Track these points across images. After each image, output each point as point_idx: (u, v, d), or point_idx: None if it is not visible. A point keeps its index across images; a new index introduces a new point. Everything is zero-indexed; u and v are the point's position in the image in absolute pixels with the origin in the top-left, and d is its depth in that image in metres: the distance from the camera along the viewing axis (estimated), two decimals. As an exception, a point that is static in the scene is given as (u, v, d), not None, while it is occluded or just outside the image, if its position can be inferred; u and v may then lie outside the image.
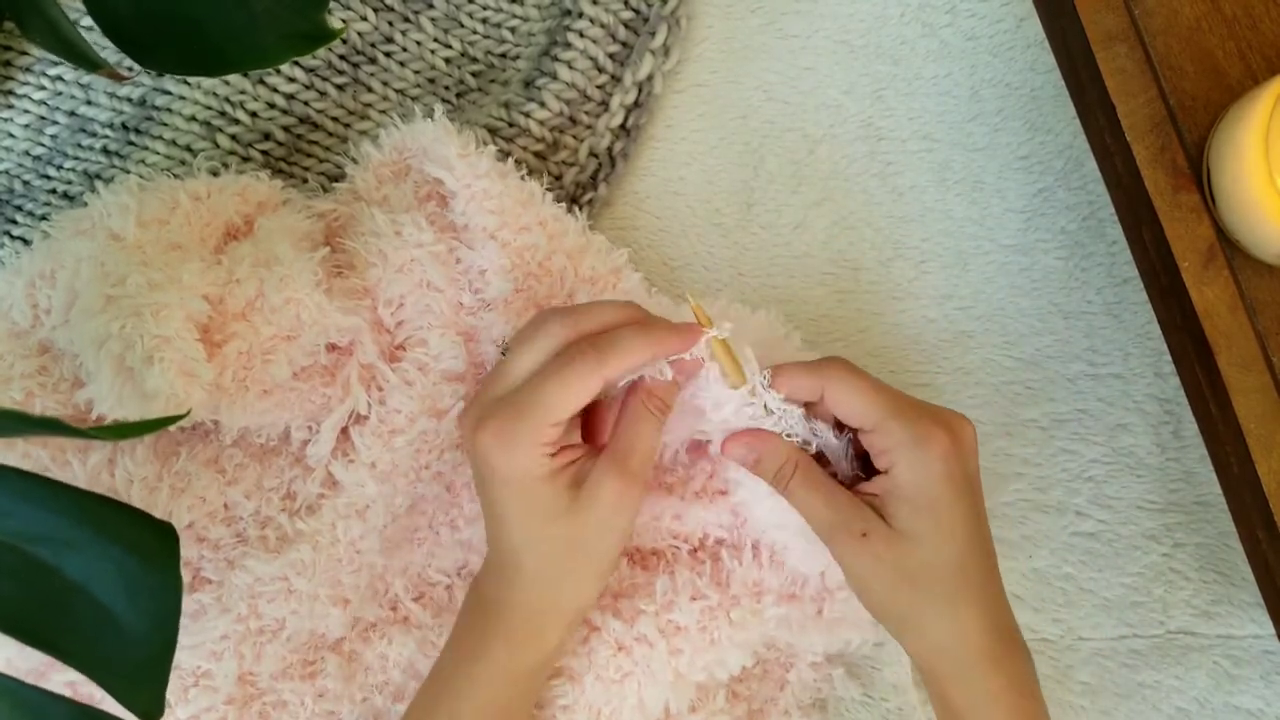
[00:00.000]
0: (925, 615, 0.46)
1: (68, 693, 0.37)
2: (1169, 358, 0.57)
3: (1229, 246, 0.50)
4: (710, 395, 0.49)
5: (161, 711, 0.35)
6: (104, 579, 0.34)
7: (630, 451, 0.47)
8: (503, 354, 0.49)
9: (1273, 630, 0.55)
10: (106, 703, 0.35)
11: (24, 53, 0.62)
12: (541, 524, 0.47)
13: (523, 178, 0.56)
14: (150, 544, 0.35)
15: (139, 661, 0.35)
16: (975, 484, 0.47)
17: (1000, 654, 0.46)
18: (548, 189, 0.57)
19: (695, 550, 0.55)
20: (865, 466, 0.50)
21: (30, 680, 0.35)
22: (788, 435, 0.49)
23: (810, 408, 0.49)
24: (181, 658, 0.53)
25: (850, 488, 0.49)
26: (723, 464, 0.53)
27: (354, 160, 0.59)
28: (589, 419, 0.51)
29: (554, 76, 0.59)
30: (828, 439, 0.49)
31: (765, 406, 0.48)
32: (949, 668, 0.46)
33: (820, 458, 0.50)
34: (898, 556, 0.45)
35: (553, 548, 0.47)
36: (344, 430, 0.56)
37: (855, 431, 0.49)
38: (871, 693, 0.57)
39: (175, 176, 0.59)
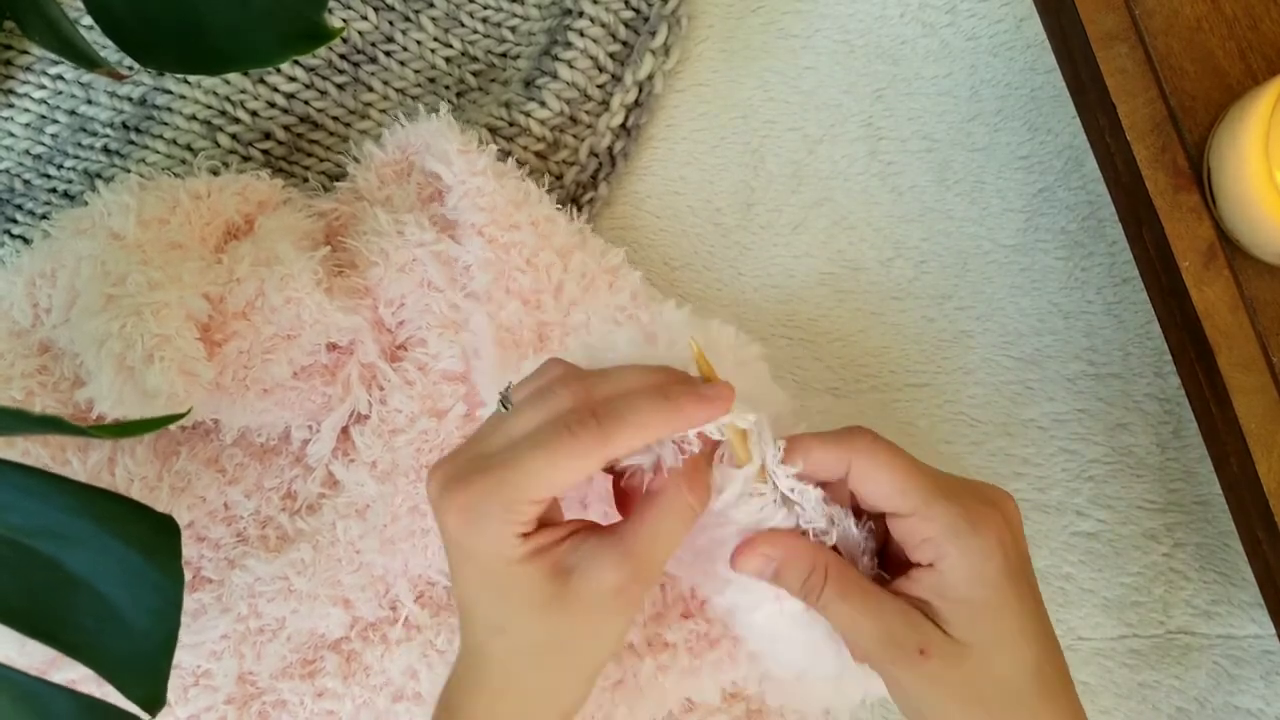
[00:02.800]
0: None
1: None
2: (1169, 357, 0.57)
3: (1229, 246, 0.50)
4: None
5: (163, 702, 0.35)
6: (106, 572, 0.34)
7: (647, 546, 0.38)
8: (503, 405, 0.40)
9: (1273, 630, 0.55)
10: (108, 700, 0.35)
11: (24, 52, 0.62)
12: (516, 616, 0.38)
13: (522, 179, 0.56)
14: (151, 537, 0.35)
15: (141, 653, 0.35)
16: (1032, 572, 0.40)
17: None
18: (548, 189, 0.57)
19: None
20: (884, 562, 0.42)
21: (31, 678, 0.35)
22: (801, 525, 0.40)
23: (825, 489, 0.41)
24: (182, 657, 0.53)
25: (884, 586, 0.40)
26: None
27: (356, 160, 0.59)
28: (620, 495, 0.42)
29: (554, 76, 0.59)
30: (847, 528, 0.41)
31: (775, 487, 0.40)
32: None
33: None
34: (967, 675, 0.37)
35: (528, 646, 0.38)
36: (344, 430, 0.56)
37: (874, 519, 0.41)
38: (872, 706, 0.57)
39: (176, 175, 0.59)
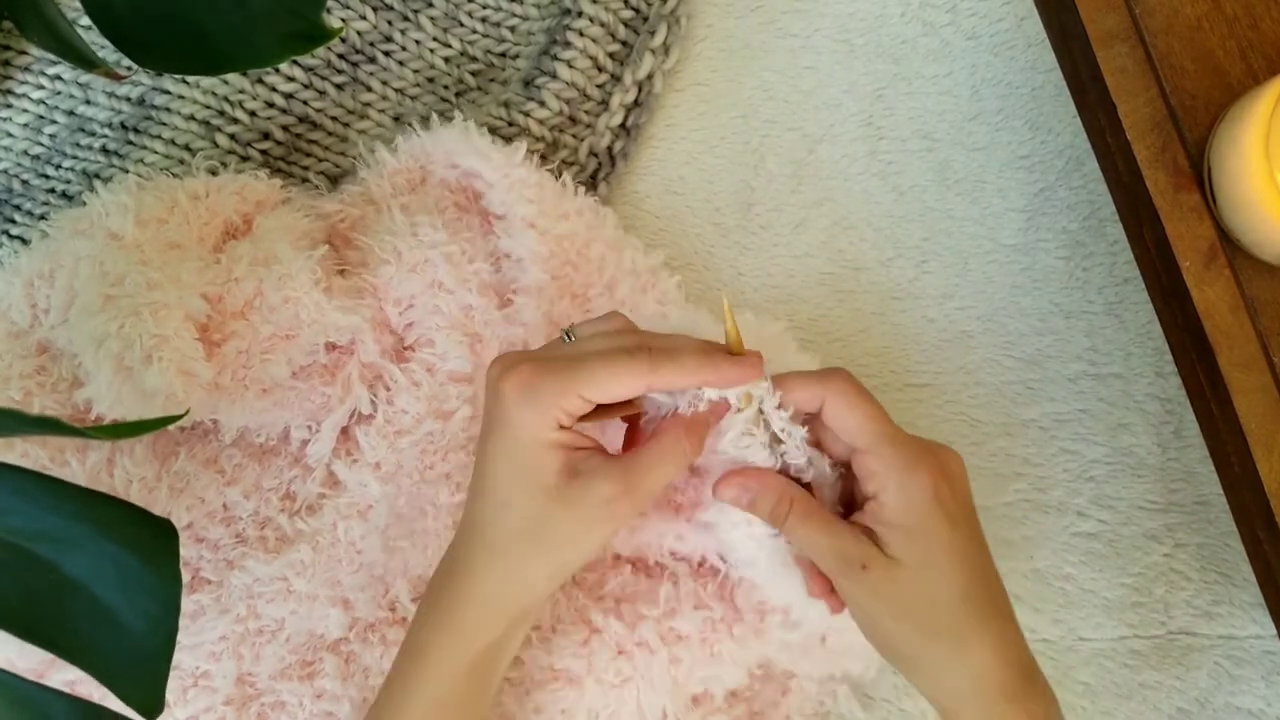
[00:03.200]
0: (934, 654, 0.44)
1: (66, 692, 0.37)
2: (1170, 357, 0.57)
3: (1230, 246, 0.50)
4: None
5: (161, 708, 0.35)
6: (103, 576, 0.34)
7: (643, 474, 0.45)
8: (566, 336, 0.47)
9: (1274, 630, 0.55)
10: (107, 702, 0.35)
11: (23, 52, 0.61)
12: (524, 494, 0.45)
13: (557, 174, 0.57)
14: (149, 541, 0.35)
15: (138, 658, 0.35)
16: (970, 513, 0.45)
17: (1020, 694, 0.44)
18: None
19: (698, 566, 0.55)
20: (848, 510, 0.49)
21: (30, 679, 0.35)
22: (785, 461, 0.47)
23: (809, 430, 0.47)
24: (181, 658, 0.53)
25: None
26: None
27: (365, 163, 0.59)
28: (629, 435, 0.50)
29: (554, 75, 0.59)
30: (822, 469, 0.47)
31: (766, 429, 0.46)
32: (966, 713, 0.44)
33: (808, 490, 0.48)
34: (898, 589, 0.43)
35: (524, 524, 0.45)
36: (344, 430, 0.56)
37: (844, 465, 0.47)
38: (874, 708, 0.57)
39: (174, 176, 0.59)
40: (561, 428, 0.45)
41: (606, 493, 0.44)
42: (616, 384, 0.44)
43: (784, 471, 0.47)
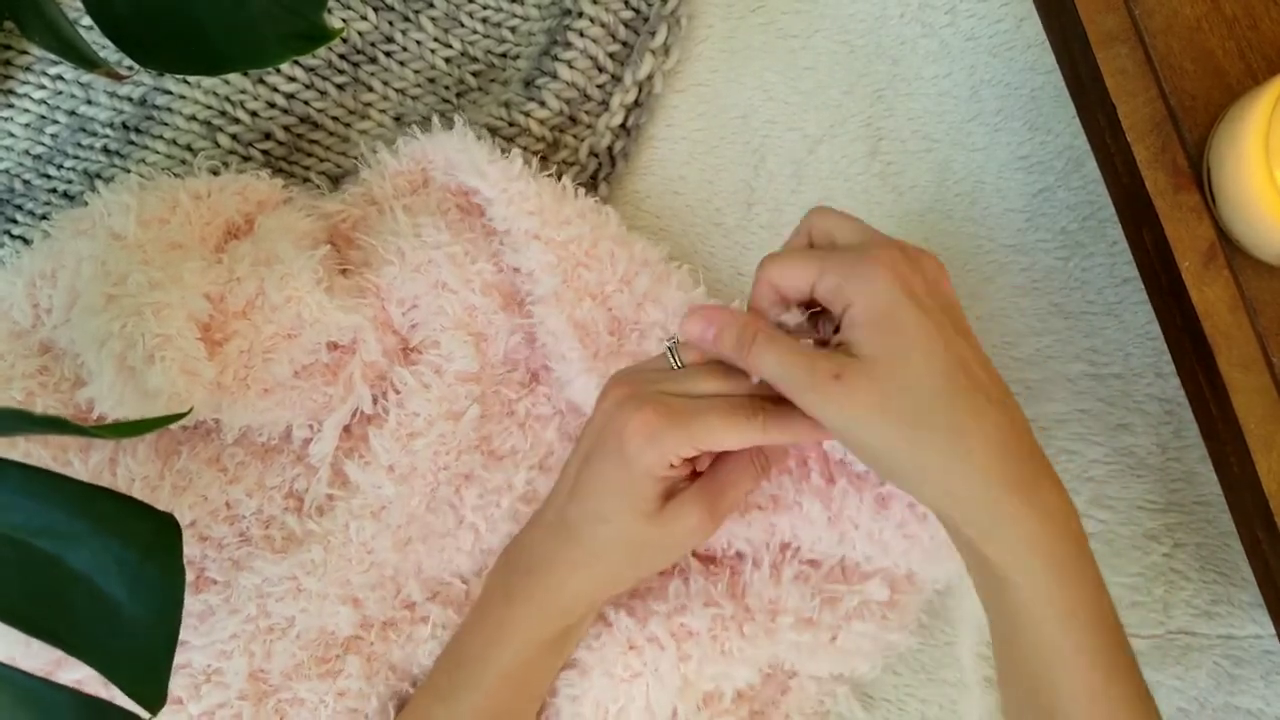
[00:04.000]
0: (932, 452, 0.41)
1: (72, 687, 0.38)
2: (1169, 358, 0.57)
3: (1229, 246, 0.50)
4: None
5: (163, 702, 0.35)
6: (106, 570, 0.34)
7: (722, 493, 0.49)
8: (669, 349, 0.49)
9: (1273, 630, 0.55)
10: (114, 702, 0.35)
11: (24, 52, 0.62)
12: (623, 515, 0.48)
13: (556, 177, 0.57)
14: (152, 536, 0.35)
15: (142, 652, 0.35)
16: (947, 304, 0.43)
17: (1026, 483, 0.41)
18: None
19: (712, 562, 0.55)
20: None
21: (34, 680, 0.35)
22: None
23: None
24: (192, 657, 0.53)
25: None
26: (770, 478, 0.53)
27: (366, 164, 0.59)
28: None
29: (554, 76, 0.59)
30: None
31: None
32: (973, 511, 0.42)
33: None
34: (876, 385, 0.41)
35: (621, 539, 0.49)
36: (346, 429, 0.56)
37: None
38: (874, 708, 0.57)
39: (176, 175, 0.59)
40: (671, 466, 0.47)
41: (694, 520, 0.48)
42: (733, 442, 0.47)
43: None
